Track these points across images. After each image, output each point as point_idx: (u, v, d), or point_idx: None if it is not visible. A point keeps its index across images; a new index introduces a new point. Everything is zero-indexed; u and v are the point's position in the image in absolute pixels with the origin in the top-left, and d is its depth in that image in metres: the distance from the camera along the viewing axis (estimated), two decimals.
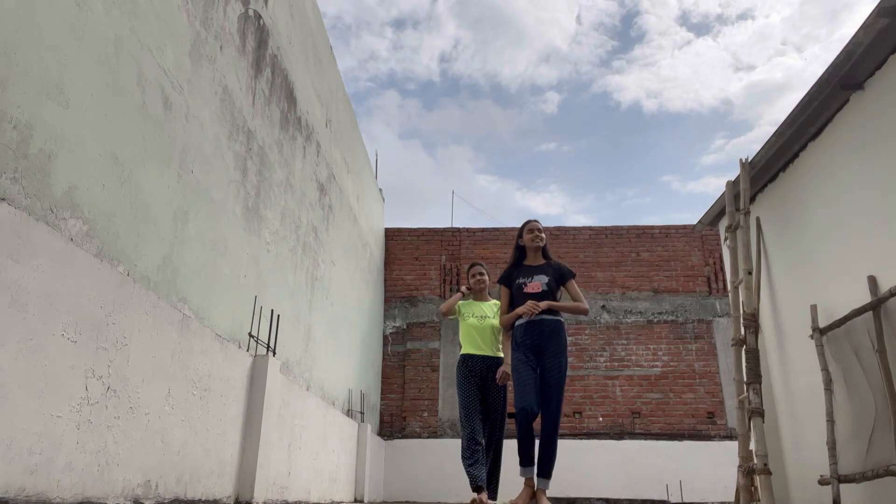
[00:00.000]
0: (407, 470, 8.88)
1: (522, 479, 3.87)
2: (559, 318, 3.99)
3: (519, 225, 4.37)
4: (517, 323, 4.02)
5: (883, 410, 3.26)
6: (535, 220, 4.27)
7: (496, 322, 4.35)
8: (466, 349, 4.37)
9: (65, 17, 2.43)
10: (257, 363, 4.20)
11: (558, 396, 3.87)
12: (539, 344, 3.92)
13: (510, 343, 4.13)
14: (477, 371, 4.28)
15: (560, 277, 4.12)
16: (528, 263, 4.20)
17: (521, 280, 4.11)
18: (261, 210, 4.58)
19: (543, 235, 4.21)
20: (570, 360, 10.72)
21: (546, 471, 3.86)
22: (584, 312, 4.07)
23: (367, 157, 9.00)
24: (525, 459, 3.83)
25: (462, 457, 4.11)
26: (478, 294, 4.56)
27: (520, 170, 37.64)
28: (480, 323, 4.37)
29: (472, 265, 4.65)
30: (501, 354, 4.30)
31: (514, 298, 4.12)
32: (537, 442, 3.88)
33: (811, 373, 3.91)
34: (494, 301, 4.50)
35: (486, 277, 4.56)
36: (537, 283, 4.04)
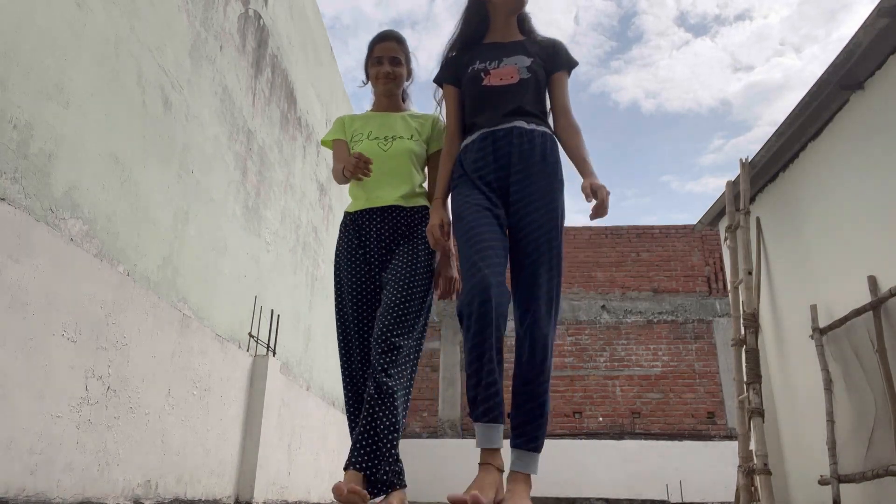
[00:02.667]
0: (407, 470, 8.86)
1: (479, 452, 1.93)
2: (545, 127, 2.15)
3: None
4: (470, 138, 2.18)
5: (883, 410, 3.26)
6: None
7: (415, 146, 2.34)
8: (351, 204, 2.38)
9: (65, 17, 2.43)
10: (257, 363, 4.20)
11: (549, 283, 1.97)
12: (506, 176, 2.08)
13: (448, 175, 2.21)
14: (371, 240, 2.27)
15: (553, 61, 2.22)
16: (493, 40, 2.28)
17: (479, 65, 2.20)
18: (261, 210, 4.58)
19: None
20: (569, 360, 10.89)
21: (529, 436, 1.91)
22: (581, 144, 2.15)
23: None
24: (484, 406, 1.83)
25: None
26: (382, 100, 2.49)
27: None
28: (383, 147, 2.32)
29: (380, 39, 2.45)
30: (424, 202, 2.34)
31: (468, 100, 2.22)
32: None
33: (811, 373, 3.91)
34: (413, 114, 2.49)
35: (404, 70, 2.46)
36: (510, 69, 2.16)
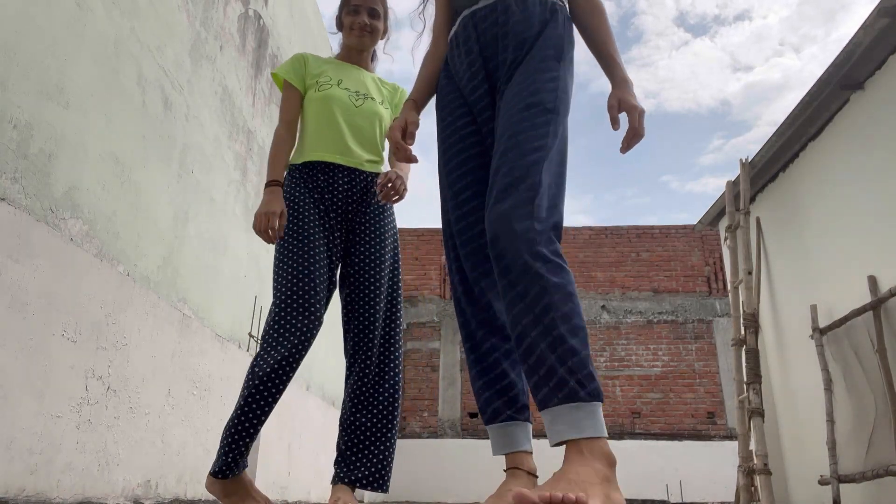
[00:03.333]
0: (407, 470, 8.88)
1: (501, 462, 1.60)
2: None
3: None
4: (452, 31, 1.74)
5: (883, 410, 3.26)
6: None
7: (384, 113, 2.19)
8: (312, 152, 2.09)
9: (65, 17, 2.43)
10: None
11: (534, 178, 1.37)
12: (498, 67, 1.61)
13: (430, 75, 1.80)
14: (337, 198, 2.05)
15: None
16: None
17: None
18: None
19: None
20: None
21: (546, 390, 1.20)
22: (605, 29, 1.62)
23: None
24: (497, 403, 1.47)
25: (243, 404, 1.80)
26: (353, 54, 2.27)
27: None
28: (355, 102, 2.13)
29: None
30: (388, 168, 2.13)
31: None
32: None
33: (811, 373, 3.91)
34: (383, 80, 2.32)
35: (381, 25, 2.25)
36: None
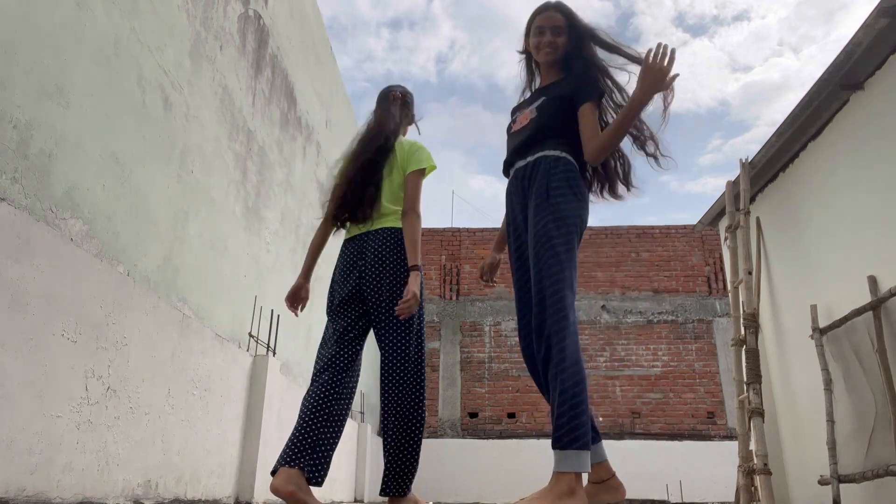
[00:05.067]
0: None
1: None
2: (551, 152, 2.24)
3: None
4: None
5: (883, 410, 3.26)
6: (551, 9, 2.39)
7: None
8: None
9: (65, 17, 2.43)
10: (257, 363, 4.20)
11: (543, 288, 2.07)
12: (524, 206, 2.30)
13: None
14: None
15: (572, 93, 2.28)
16: (541, 84, 2.52)
17: (514, 116, 2.52)
18: (261, 210, 4.58)
19: (560, 40, 2.36)
20: None
21: (571, 433, 1.92)
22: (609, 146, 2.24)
23: None
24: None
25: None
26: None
27: None
28: None
29: (390, 90, 2.93)
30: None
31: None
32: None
33: (811, 373, 3.91)
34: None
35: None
36: (527, 114, 2.38)
